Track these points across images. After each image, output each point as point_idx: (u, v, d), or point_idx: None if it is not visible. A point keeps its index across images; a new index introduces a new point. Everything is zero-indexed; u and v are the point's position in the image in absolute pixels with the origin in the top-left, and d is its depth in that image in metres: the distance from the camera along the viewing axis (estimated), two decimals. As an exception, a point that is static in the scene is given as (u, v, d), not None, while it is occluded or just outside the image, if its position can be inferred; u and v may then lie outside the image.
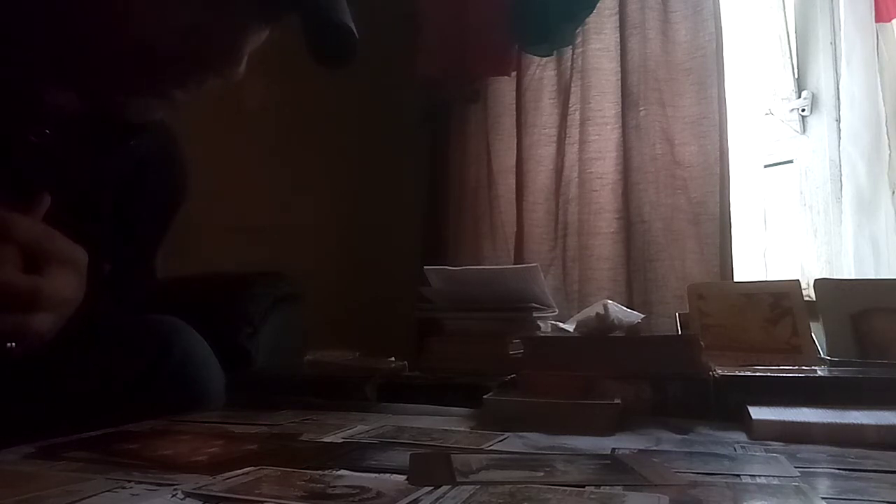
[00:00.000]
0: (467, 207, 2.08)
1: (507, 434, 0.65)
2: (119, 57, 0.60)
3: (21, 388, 0.67)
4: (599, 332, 0.99)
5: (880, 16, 1.64)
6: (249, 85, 0.72)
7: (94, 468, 0.51)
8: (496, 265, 1.85)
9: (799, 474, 0.50)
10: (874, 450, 0.58)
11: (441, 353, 1.05)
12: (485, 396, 0.77)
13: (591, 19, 1.87)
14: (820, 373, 0.85)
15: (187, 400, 0.82)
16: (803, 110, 1.80)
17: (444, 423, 0.72)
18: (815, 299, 1.08)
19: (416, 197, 2.17)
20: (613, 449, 0.59)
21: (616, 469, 0.52)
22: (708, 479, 0.49)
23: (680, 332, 1.14)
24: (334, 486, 0.45)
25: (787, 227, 1.85)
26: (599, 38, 1.88)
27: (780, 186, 1.88)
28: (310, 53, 0.62)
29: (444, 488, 0.45)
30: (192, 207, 0.87)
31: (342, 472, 0.50)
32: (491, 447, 0.60)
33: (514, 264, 1.83)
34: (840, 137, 1.73)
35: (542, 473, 0.49)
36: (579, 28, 1.89)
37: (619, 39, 1.85)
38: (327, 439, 0.64)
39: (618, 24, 1.85)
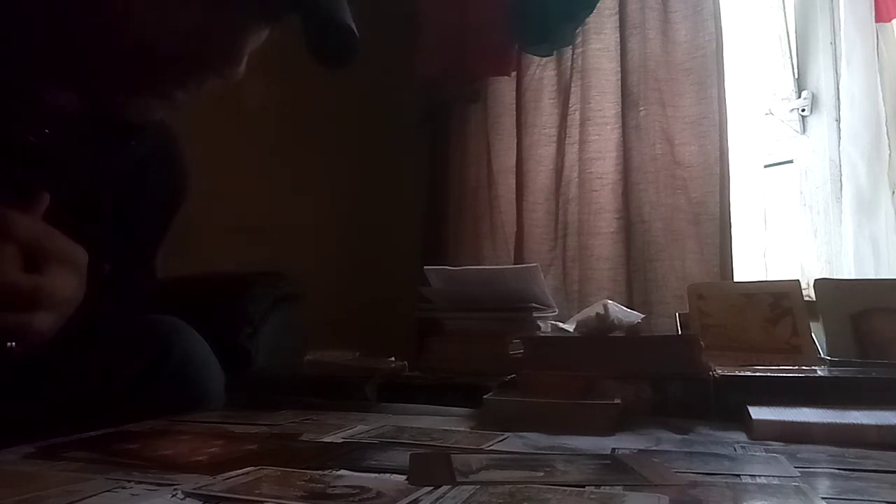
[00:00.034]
0: (467, 207, 2.08)
1: (507, 434, 0.65)
2: (119, 57, 0.60)
3: (21, 388, 0.67)
4: (599, 332, 0.99)
5: (880, 16, 1.64)
6: (249, 85, 0.72)
7: (94, 468, 0.51)
8: (496, 265, 1.85)
9: (799, 474, 0.50)
10: (874, 450, 0.58)
11: (441, 353, 1.05)
12: (485, 396, 0.77)
13: (591, 19, 1.87)
14: (820, 373, 0.85)
15: (187, 400, 0.82)
16: (803, 110, 1.80)
17: (444, 423, 0.72)
18: (815, 299, 1.08)
19: (416, 197, 2.17)
20: (613, 449, 0.59)
21: (616, 469, 0.52)
22: (708, 479, 0.49)
23: (680, 332, 1.14)
24: (334, 486, 0.45)
25: (787, 227, 1.85)
26: (599, 38, 1.88)
27: (780, 186, 1.88)
28: (310, 53, 0.61)
29: (444, 488, 0.45)
30: (192, 207, 0.87)
31: (342, 472, 0.50)
32: (491, 447, 0.60)
33: (514, 264, 1.83)
34: (840, 137, 1.73)
35: (542, 473, 0.49)
36: (579, 28, 1.89)
37: (619, 39, 1.85)
38: (327, 439, 0.64)
39: (618, 24, 1.85)
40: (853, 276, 1.61)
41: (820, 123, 1.79)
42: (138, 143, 0.72)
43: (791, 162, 1.85)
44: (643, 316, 1.16)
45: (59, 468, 0.52)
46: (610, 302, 1.10)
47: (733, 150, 1.73)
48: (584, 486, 0.45)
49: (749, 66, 1.89)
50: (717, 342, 1.01)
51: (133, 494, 0.44)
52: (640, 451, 0.59)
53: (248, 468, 0.49)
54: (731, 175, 1.71)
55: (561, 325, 1.10)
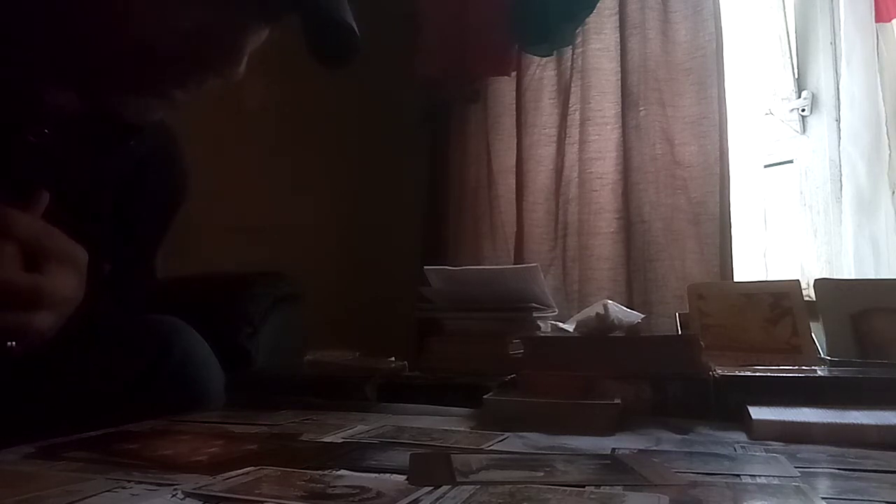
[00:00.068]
0: (467, 207, 2.08)
1: (507, 434, 0.65)
2: (119, 57, 0.60)
3: (21, 388, 0.67)
4: (599, 332, 0.99)
5: (880, 16, 1.64)
6: (249, 85, 0.72)
7: (94, 468, 0.51)
8: (496, 265, 1.85)
9: (799, 474, 0.50)
10: (874, 450, 0.58)
11: (441, 353, 1.05)
12: (485, 396, 0.77)
13: (591, 19, 1.87)
14: (820, 373, 0.85)
15: (187, 400, 0.82)
16: (803, 110, 1.80)
17: (444, 423, 0.72)
18: (815, 299, 1.08)
19: (416, 197, 2.17)
20: (613, 449, 0.59)
21: (616, 469, 0.52)
22: (708, 479, 0.49)
23: (680, 332, 1.14)
24: (334, 486, 0.45)
25: (787, 227, 1.85)
26: (599, 38, 1.88)
27: (780, 186, 1.88)
28: (311, 53, 0.61)
29: (444, 488, 0.45)
30: (192, 207, 0.87)
31: (342, 472, 0.50)
32: (491, 447, 0.60)
33: (514, 264, 1.83)
34: (840, 137, 1.73)
35: (542, 473, 0.49)
36: (579, 28, 1.89)
37: (619, 39, 1.85)
38: (327, 439, 0.64)
39: (618, 24, 1.85)
40: (853, 276, 1.61)
41: (820, 123, 1.79)
42: (138, 143, 0.72)
43: (791, 162, 1.85)
44: (643, 316, 1.16)
45: (59, 468, 0.52)
46: (610, 302, 1.10)
47: (733, 150, 1.73)
48: (584, 486, 0.45)
49: (749, 66, 1.89)
50: (717, 342, 1.01)
51: (133, 494, 0.44)
52: (640, 451, 0.59)
53: (248, 468, 0.49)
54: (731, 175, 1.71)
55: (561, 325, 1.10)
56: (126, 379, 0.78)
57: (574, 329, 1.05)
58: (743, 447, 0.61)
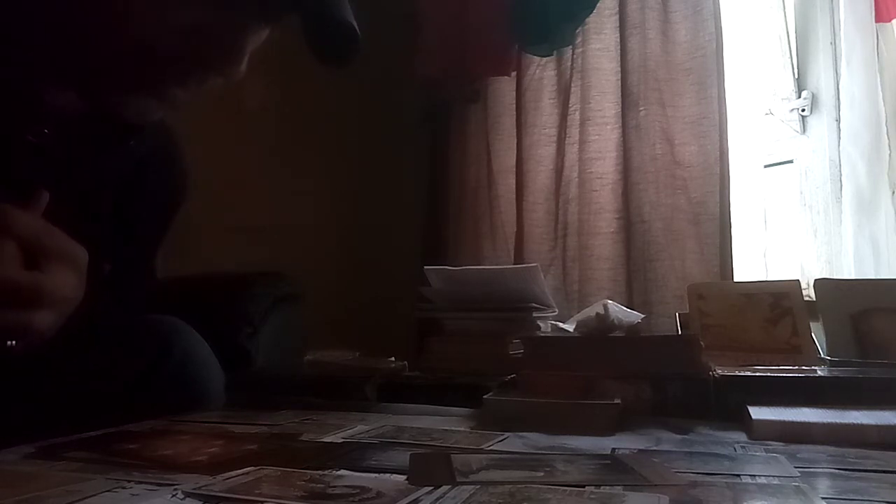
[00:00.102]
0: (467, 207, 2.08)
1: (507, 434, 0.65)
2: (119, 57, 0.60)
3: (21, 388, 0.67)
4: (599, 332, 0.99)
5: (880, 16, 1.64)
6: (249, 85, 0.72)
7: (94, 468, 0.51)
8: (496, 265, 1.85)
9: (799, 474, 0.50)
10: (874, 450, 0.58)
11: (441, 353, 1.05)
12: (485, 396, 0.77)
13: (591, 19, 1.87)
14: (820, 373, 0.85)
15: (187, 400, 0.82)
16: (803, 110, 1.80)
17: (444, 423, 0.72)
18: (815, 299, 1.08)
19: (416, 197, 2.17)
20: (613, 449, 0.59)
21: (616, 469, 0.52)
22: (708, 479, 0.49)
23: (680, 332, 1.14)
24: (334, 486, 0.45)
25: (787, 227, 1.85)
26: (599, 38, 1.88)
27: (780, 186, 1.88)
28: (312, 52, 0.61)
29: (444, 488, 0.45)
30: (192, 207, 0.87)
31: (342, 472, 0.50)
32: (491, 447, 0.60)
33: (514, 264, 1.83)
34: (840, 137, 1.73)
35: (542, 473, 0.49)
36: (579, 28, 1.89)
37: (619, 39, 1.85)
38: (327, 439, 0.64)
39: (618, 24, 1.85)
40: (853, 276, 1.61)
41: (820, 123, 1.79)
42: (138, 143, 0.72)
43: (791, 162, 1.85)
44: (643, 316, 1.16)
45: (59, 468, 0.52)
46: (610, 302, 1.10)
47: (733, 150, 1.73)
48: (584, 486, 0.45)
49: (749, 66, 1.89)
50: (717, 342, 1.01)
51: (133, 494, 0.44)
52: (640, 451, 0.59)
53: (248, 468, 0.49)
54: (731, 175, 1.71)
55: (561, 325, 1.10)
56: (126, 379, 0.78)
57: (574, 329, 1.05)
58: (743, 447, 0.61)
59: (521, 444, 0.62)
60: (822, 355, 1.00)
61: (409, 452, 0.55)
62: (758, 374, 0.81)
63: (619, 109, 1.83)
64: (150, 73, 0.61)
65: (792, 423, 0.65)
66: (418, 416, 0.78)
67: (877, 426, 0.63)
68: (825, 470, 0.52)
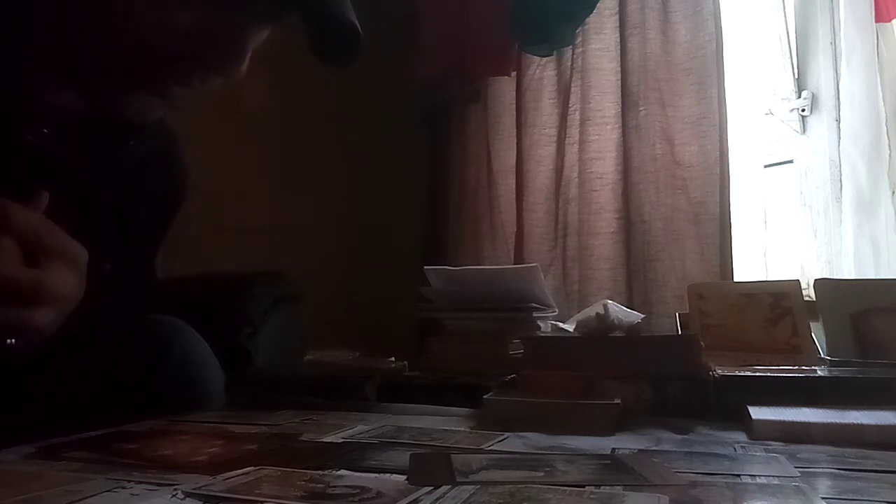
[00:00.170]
0: (467, 207, 2.08)
1: (507, 434, 0.65)
2: (119, 57, 0.59)
3: (21, 388, 0.67)
4: (599, 332, 0.99)
5: (880, 16, 1.64)
6: (249, 85, 0.72)
7: (94, 468, 0.51)
8: (496, 265, 1.85)
9: (799, 474, 0.50)
10: (874, 450, 0.58)
11: (441, 353, 1.05)
12: (485, 396, 0.77)
13: (591, 19, 1.87)
14: (820, 373, 0.85)
15: (187, 400, 0.82)
16: (803, 110, 1.80)
17: (444, 423, 0.72)
18: (815, 299, 1.08)
19: (416, 197, 2.17)
20: (613, 449, 0.59)
21: (616, 469, 0.52)
22: (708, 479, 0.49)
23: (680, 332, 1.14)
24: (334, 486, 0.45)
25: (787, 227, 1.85)
26: (599, 38, 1.88)
27: (780, 186, 1.88)
28: (313, 52, 0.61)
29: (444, 488, 0.45)
30: (192, 207, 0.87)
31: (342, 472, 0.50)
32: (491, 447, 0.60)
33: (514, 264, 1.83)
34: (840, 137, 1.73)
35: (542, 473, 0.49)
36: (579, 28, 1.89)
37: (619, 39, 1.85)
38: (327, 439, 0.64)
39: (618, 24, 1.85)
40: (853, 276, 1.61)
41: (820, 123, 1.79)
42: (138, 143, 0.72)
43: (791, 162, 1.85)
44: (643, 316, 1.16)
45: (59, 468, 0.52)
46: (610, 302, 1.10)
47: (733, 150, 1.73)
48: (584, 486, 0.45)
49: (749, 66, 1.89)
50: (717, 342, 1.01)
51: (133, 494, 0.44)
52: (640, 451, 0.59)
53: (248, 468, 0.49)
54: (731, 175, 1.71)
55: (561, 325, 1.10)
56: (126, 379, 0.78)
57: (574, 329, 1.05)
58: (743, 447, 0.61)
59: (521, 444, 0.62)
60: (822, 355, 1.00)
61: (409, 452, 0.55)
62: (758, 374, 0.81)
63: (619, 109, 1.83)
64: (151, 72, 0.61)
65: (792, 423, 0.65)
66: (418, 416, 0.78)
67: (877, 426, 0.63)
68: (825, 470, 0.52)
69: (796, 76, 1.82)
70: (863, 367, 0.87)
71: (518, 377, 0.83)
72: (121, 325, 0.81)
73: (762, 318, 1.04)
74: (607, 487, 0.45)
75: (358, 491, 0.44)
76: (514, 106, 1.99)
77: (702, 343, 0.85)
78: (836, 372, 0.87)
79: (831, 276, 1.63)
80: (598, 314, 1.01)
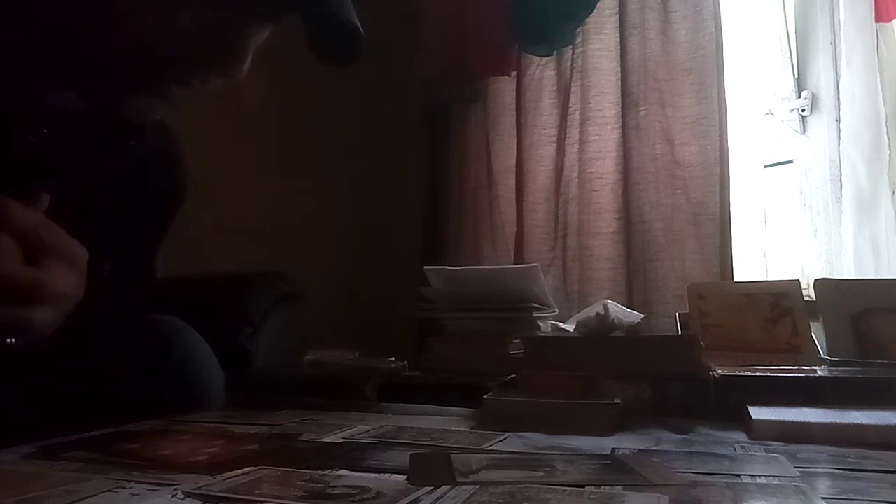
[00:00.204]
0: (467, 207, 2.08)
1: (507, 434, 0.65)
2: (119, 57, 0.59)
3: (21, 388, 0.67)
4: (599, 332, 0.99)
5: (880, 16, 1.64)
6: (250, 85, 0.72)
7: (94, 468, 0.51)
8: (496, 265, 1.85)
9: (799, 474, 0.50)
10: (874, 450, 0.58)
11: (441, 353, 1.05)
12: (485, 396, 0.77)
13: (591, 19, 1.87)
14: (820, 373, 0.85)
15: (187, 400, 0.82)
16: (803, 110, 1.80)
17: (444, 423, 0.72)
18: (815, 299, 1.08)
19: (416, 197, 2.17)
20: (613, 449, 0.59)
21: (616, 469, 0.52)
22: (708, 479, 0.49)
23: (680, 332, 1.14)
24: (334, 486, 0.45)
25: (787, 227, 1.85)
26: (599, 38, 1.88)
27: (780, 186, 1.88)
28: (314, 52, 0.61)
29: (444, 488, 0.45)
30: (192, 207, 0.87)
31: (342, 472, 0.50)
32: (491, 447, 0.60)
33: (514, 264, 1.83)
34: (840, 137, 1.73)
35: (542, 473, 0.49)
36: (579, 28, 1.89)
37: (619, 39, 1.85)
38: (327, 439, 0.64)
39: (618, 24, 1.85)
40: (853, 276, 1.61)
41: (820, 123, 1.79)
42: (138, 143, 0.72)
43: (791, 162, 1.85)
44: (643, 316, 1.16)
45: (59, 468, 0.52)
46: (610, 302, 1.10)
47: (733, 150, 1.73)
48: (584, 486, 0.45)
49: (749, 66, 1.89)
50: (717, 342, 1.01)
51: (133, 494, 0.44)
52: (640, 451, 0.59)
53: (248, 468, 0.49)
54: (731, 175, 1.71)
55: (561, 325, 1.10)
56: (126, 379, 0.78)
57: (574, 329, 1.05)
58: (743, 447, 0.61)
59: (521, 444, 0.62)
60: (822, 355, 1.00)
61: (409, 452, 0.55)
62: (758, 374, 0.81)
63: (619, 109, 1.83)
64: (151, 72, 0.60)
65: (792, 423, 0.65)
66: (418, 416, 0.78)
67: (877, 426, 0.63)
68: (825, 470, 0.52)
69: (796, 76, 1.82)
70: (863, 367, 0.87)
71: (518, 377, 0.83)
72: (121, 325, 0.81)
73: (762, 318, 1.04)
74: (607, 487, 0.45)
75: (358, 491, 0.44)
76: (514, 106, 1.99)
77: (702, 343, 0.85)
78: (836, 372, 0.87)
79: (831, 276, 1.63)
80: (598, 314, 1.01)
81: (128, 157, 0.75)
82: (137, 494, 0.44)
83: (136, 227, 0.80)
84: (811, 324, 1.03)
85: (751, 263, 1.85)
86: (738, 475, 0.50)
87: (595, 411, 0.71)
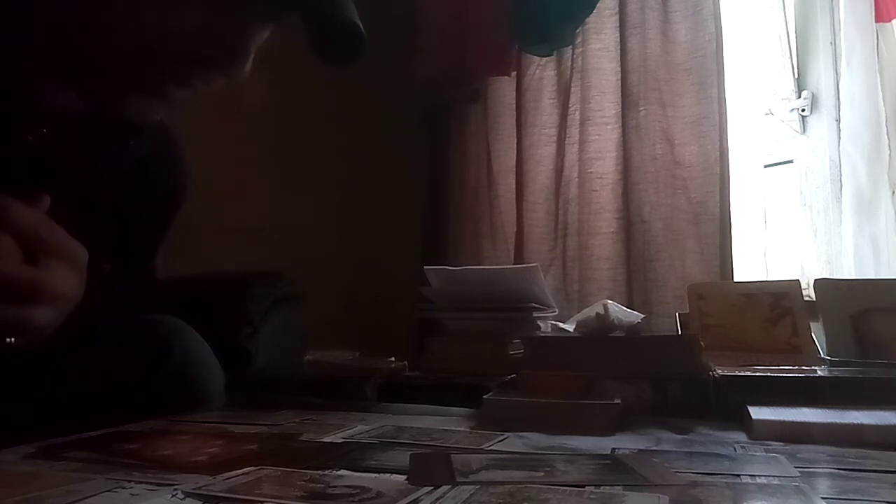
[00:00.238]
0: (467, 207, 2.08)
1: (507, 434, 0.65)
2: (119, 57, 0.59)
3: (21, 388, 0.67)
4: (599, 332, 0.99)
5: (880, 16, 1.64)
6: (250, 85, 0.72)
7: (94, 468, 0.51)
8: (496, 265, 1.85)
9: (799, 474, 0.50)
10: (874, 450, 0.58)
11: (441, 353, 1.05)
12: (485, 396, 0.77)
13: (591, 19, 1.87)
14: (820, 373, 0.85)
15: (187, 400, 0.82)
16: (803, 110, 1.80)
17: (444, 423, 0.72)
18: (815, 299, 1.08)
19: (416, 197, 2.18)
20: (613, 449, 0.59)
21: (616, 469, 0.52)
22: (708, 479, 0.49)
23: (680, 332, 1.14)
24: (334, 486, 0.45)
25: (787, 227, 1.85)
26: (599, 38, 1.88)
27: (780, 186, 1.88)
28: (315, 52, 0.61)
29: (444, 488, 0.45)
30: (192, 207, 0.87)
31: (342, 472, 0.50)
32: (491, 447, 0.60)
33: (514, 264, 1.83)
34: (840, 137, 1.73)
35: (542, 473, 0.49)
36: (579, 28, 1.89)
37: (619, 39, 1.85)
38: (327, 439, 0.64)
39: (618, 24, 1.85)
40: (853, 276, 1.61)
41: (820, 123, 1.79)
42: (138, 143, 0.72)
43: (791, 162, 1.85)
44: (643, 316, 1.16)
45: (59, 468, 0.52)
46: (610, 302, 1.10)
47: (733, 150, 1.73)
48: (584, 486, 0.45)
49: (749, 66, 1.89)
50: (717, 342, 1.01)
51: (133, 494, 0.44)
52: (640, 451, 0.59)
53: (248, 468, 0.49)
54: (731, 175, 1.71)
55: (561, 325, 1.10)
56: (126, 379, 0.78)
57: (574, 329, 1.05)
58: (743, 447, 0.61)
59: (521, 444, 0.62)
60: (822, 355, 1.00)
61: (409, 452, 0.55)
62: (758, 374, 0.81)
63: (619, 109, 1.83)
64: (151, 73, 0.60)
65: (792, 423, 0.65)
66: (418, 416, 0.78)
67: (877, 426, 0.63)
68: (825, 470, 0.52)
69: (796, 76, 1.82)
70: (863, 367, 0.87)
71: (518, 377, 0.83)
72: (121, 325, 0.81)
73: (762, 318, 1.04)
74: (607, 487, 0.45)
75: (358, 491, 0.44)
76: (514, 106, 1.99)
77: (702, 343, 0.85)
78: (836, 372, 0.87)
79: (831, 276, 1.63)
80: (598, 314, 1.01)
81: (128, 157, 0.74)
82: (137, 494, 0.44)
83: (136, 227, 0.80)
84: (811, 324, 1.03)
85: (751, 263, 1.85)
86: (738, 475, 0.50)
87: (595, 411, 0.71)
